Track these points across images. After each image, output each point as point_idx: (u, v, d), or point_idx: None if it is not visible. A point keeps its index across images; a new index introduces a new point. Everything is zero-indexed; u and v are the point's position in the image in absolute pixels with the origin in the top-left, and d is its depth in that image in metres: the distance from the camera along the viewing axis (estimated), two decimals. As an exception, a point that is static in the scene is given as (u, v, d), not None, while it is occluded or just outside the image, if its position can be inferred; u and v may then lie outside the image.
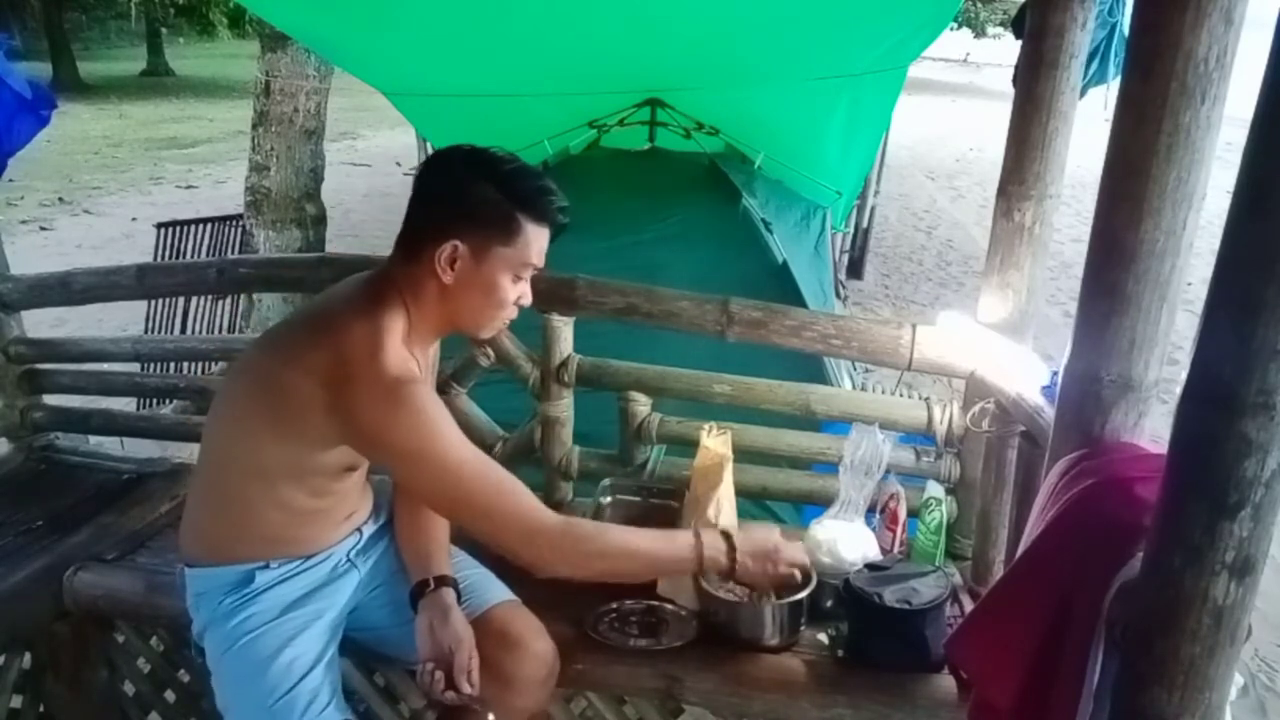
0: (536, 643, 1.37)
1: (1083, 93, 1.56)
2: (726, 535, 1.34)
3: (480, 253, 1.23)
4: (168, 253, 4.73)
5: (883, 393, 2.93)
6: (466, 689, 1.29)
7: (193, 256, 4.73)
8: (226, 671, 1.30)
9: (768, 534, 1.40)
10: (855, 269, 7.14)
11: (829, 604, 1.53)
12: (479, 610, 1.39)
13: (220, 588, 1.31)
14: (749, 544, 1.34)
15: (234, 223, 5.01)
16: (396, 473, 1.29)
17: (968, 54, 31.06)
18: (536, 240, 1.27)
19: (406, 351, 1.23)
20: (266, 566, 1.31)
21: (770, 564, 1.36)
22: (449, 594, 1.36)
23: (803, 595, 1.45)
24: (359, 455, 1.26)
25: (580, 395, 1.95)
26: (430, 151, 8.13)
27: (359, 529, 1.43)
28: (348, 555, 1.40)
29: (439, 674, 1.29)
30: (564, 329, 1.88)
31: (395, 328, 1.22)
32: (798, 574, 1.42)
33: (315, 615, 1.33)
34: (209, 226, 4.91)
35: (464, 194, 1.23)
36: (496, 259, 1.25)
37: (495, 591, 1.44)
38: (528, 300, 1.33)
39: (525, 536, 1.21)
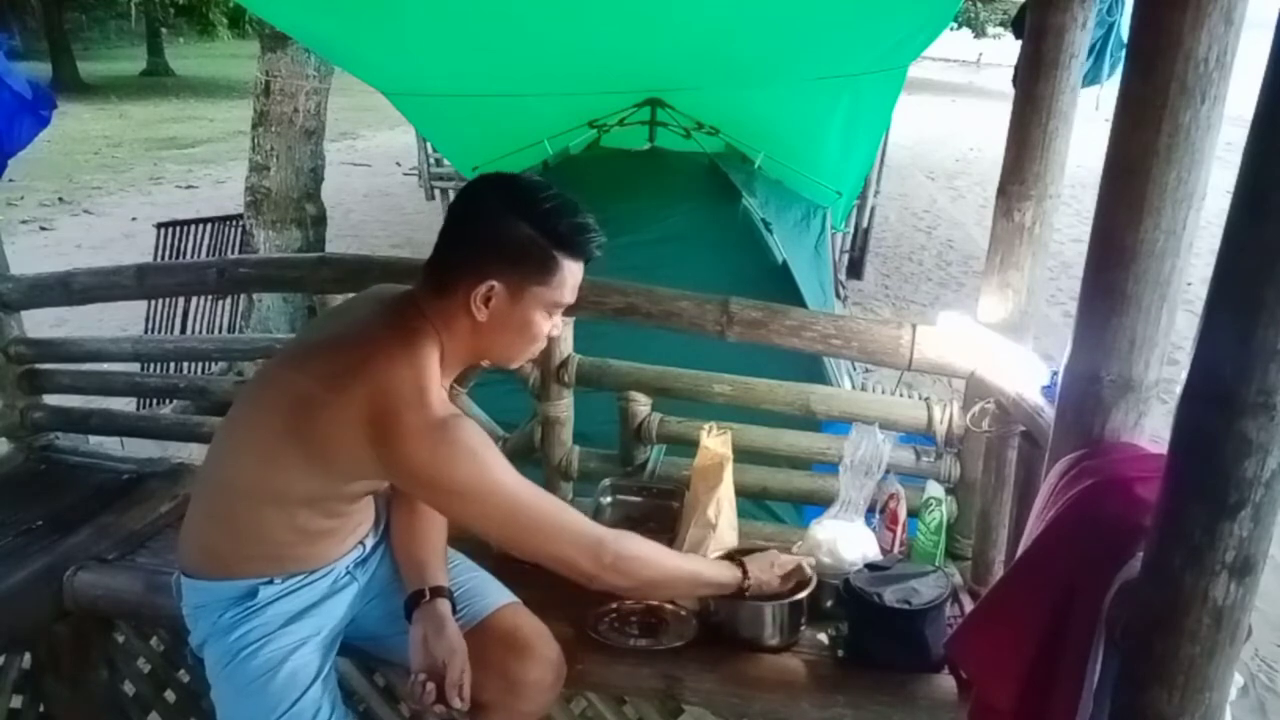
0: (544, 647, 1.36)
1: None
2: (740, 562, 1.43)
3: (516, 292, 1.22)
4: (168, 253, 4.74)
5: (883, 393, 2.94)
6: (457, 703, 1.27)
7: (193, 256, 4.73)
8: (227, 685, 1.28)
9: (766, 553, 1.49)
10: (855, 269, 7.15)
11: (829, 604, 1.53)
12: (483, 614, 1.38)
13: (222, 601, 1.28)
14: (754, 563, 1.44)
15: (234, 223, 5.01)
16: (450, 510, 1.28)
17: (980, 54, 30.43)
18: (572, 278, 1.26)
19: (442, 384, 1.23)
20: (270, 582, 1.29)
21: (776, 566, 1.45)
22: (444, 605, 1.35)
23: (803, 595, 1.45)
24: (380, 480, 1.26)
25: (580, 395, 1.95)
26: (430, 152, 8.15)
27: (362, 542, 1.41)
28: (348, 568, 1.38)
29: (430, 686, 1.27)
30: (564, 329, 1.87)
31: (433, 365, 1.20)
32: (806, 565, 1.48)
33: (315, 629, 1.32)
34: (209, 226, 4.92)
35: (500, 233, 1.20)
36: (532, 298, 1.24)
37: (497, 594, 1.43)
38: (558, 331, 1.33)
39: (589, 551, 1.22)
